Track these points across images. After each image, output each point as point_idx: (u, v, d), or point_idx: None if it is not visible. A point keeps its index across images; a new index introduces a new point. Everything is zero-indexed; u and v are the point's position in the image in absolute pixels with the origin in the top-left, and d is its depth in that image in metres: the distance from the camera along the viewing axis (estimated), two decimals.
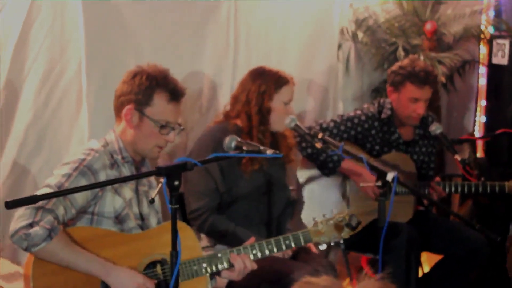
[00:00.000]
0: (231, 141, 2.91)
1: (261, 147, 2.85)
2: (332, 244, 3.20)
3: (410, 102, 4.22)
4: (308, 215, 4.16)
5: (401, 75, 4.23)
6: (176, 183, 2.49)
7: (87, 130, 3.90)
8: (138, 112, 3.02)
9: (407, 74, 4.21)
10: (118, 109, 3.07)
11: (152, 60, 3.83)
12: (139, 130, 3.03)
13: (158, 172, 2.50)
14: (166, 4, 4.20)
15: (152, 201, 2.51)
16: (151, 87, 3.02)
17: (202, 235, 3.74)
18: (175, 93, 3.05)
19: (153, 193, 2.52)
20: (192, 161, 2.49)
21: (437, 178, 4.44)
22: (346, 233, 3.18)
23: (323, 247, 3.22)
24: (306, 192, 4.34)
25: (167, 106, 3.04)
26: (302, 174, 4.36)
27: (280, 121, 3.70)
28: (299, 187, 4.35)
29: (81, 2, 3.82)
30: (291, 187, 4.08)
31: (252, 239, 3.18)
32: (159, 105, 3.02)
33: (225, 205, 3.74)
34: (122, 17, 4.03)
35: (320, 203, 4.29)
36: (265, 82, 3.75)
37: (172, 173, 2.48)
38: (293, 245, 3.16)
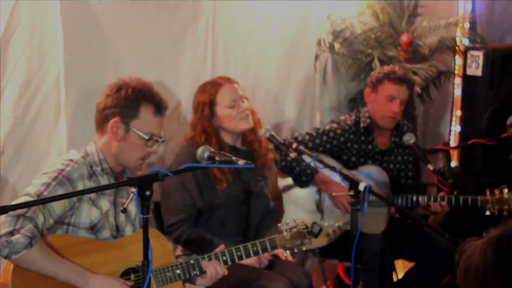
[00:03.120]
0: (204, 152, 2.98)
1: (233, 158, 2.92)
2: (295, 251, 3.31)
3: (387, 100, 4.31)
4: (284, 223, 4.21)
5: (380, 74, 4.36)
6: (148, 193, 2.54)
7: (65, 141, 3.93)
8: (124, 124, 3.07)
9: (387, 72, 4.35)
10: (101, 122, 3.13)
11: (131, 72, 3.88)
12: (125, 142, 3.09)
13: (130, 182, 2.55)
14: (146, 17, 4.25)
15: (123, 211, 2.56)
16: (138, 100, 3.08)
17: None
18: (160, 106, 3.13)
19: (125, 203, 2.57)
20: (164, 172, 2.55)
21: (442, 193, 4.49)
22: (308, 240, 3.28)
23: (287, 254, 3.34)
24: (284, 201, 4.40)
25: (153, 119, 3.11)
26: (280, 182, 4.42)
27: (237, 122, 3.81)
28: (279, 196, 4.41)
29: (60, 14, 3.84)
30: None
31: (221, 246, 3.25)
32: (146, 118, 3.09)
33: (203, 217, 3.79)
34: (101, 29, 4.07)
35: (297, 212, 4.35)
36: (204, 93, 3.83)
37: (143, 183, 2.54)
38: (260, 251, 3.27)
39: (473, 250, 1.74)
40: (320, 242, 3.39)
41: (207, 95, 3.83)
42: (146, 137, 3.07)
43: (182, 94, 4.41)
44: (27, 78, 3.83)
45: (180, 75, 4.45)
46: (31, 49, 3.83)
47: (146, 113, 3.09)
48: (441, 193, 4.44)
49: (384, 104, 4.31)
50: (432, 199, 4.25)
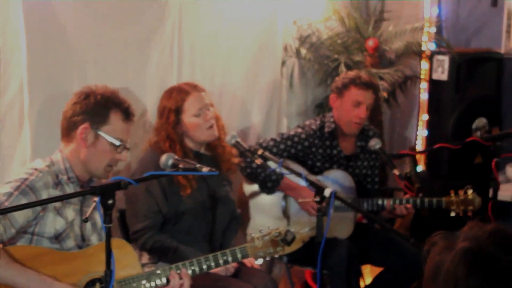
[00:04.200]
0: (167, 159, 2.96)
1: (197, 165, 2.90)
2: (267, 259, 3.27)
3: (353, 105, 4.30)
4: (252, 230, 4.21)
5: (346, 79, 4.34)
6: (110, 201, 2.52)
7: (29, 149, 3.88)
8: (93, 131, 3.08)
9: (352, 78, 4.33)
10: (68, 130, 3.12)
11: (97, 78, 3.88)
12: (94, 148, 3.09)
13: (92, 191, 2.53)
14: (110, 22, 4.22)
15: (85, 220, 2.54)
16: (107, 106, 3.10)
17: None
18: (128, 112, 3.16)
19: (88, 212, 2.55)
20: (126, 180, 2.53)
21: (406, 196, 4.51)
22: (281, 248, 3.24)
23: (259, 262, 3.29)
24: (250, 207, 4.39)
25: (122, 125, 3.13)
26: (246, 189, 4.41)
27: (202, 132, 3.80)
28: (246, 201, 4.40)
29: (24, 20, 3.80)
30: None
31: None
32: (115, 124, 3.11)
33: (169, 223, 3.77)
34: (65, 35, 4.03)
35: (263, 218, 4.34)
36: (170, 99, 3.81)
37: (106, 192, 2.52)
38: (230, 260, 3.22)
39: (442, 254, 1.73)
40: (291, 249, 3.36)
41: (173, 102, 3.81)
42: (117, 143, 3.08)
43: (148, 100, 4.38)
44: None
45: (146, 81, 4.42)
46: None
47: (115, 119, 3.11)
48: (406, 196, 4.46)
49: (350, 109, 4.31)
50: (397, 202, 4.26)
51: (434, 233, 1.80)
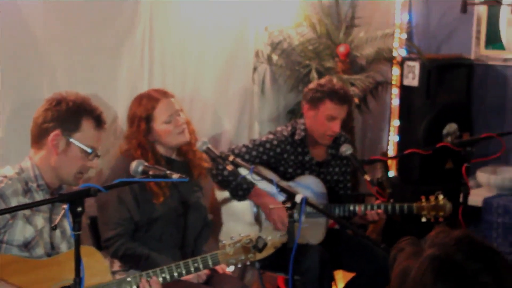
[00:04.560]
0: (137, 166, 2.95)
1: (168, 172, 2.89)
2: (239, 266, 3.26)
3: (327, 120, 4.28)
4: (224, 236, 4.20)
5: (320, 92, 4.30)
6: (79, 209, 2.51)
7: (0, 157, 3.85)
8: (65, 138, 3.06)
9: (328, 91, 4.28)
10: (39, 136, 3.09)
11: (67, 85, 3.85)
12: (65, 156, 3.07)
13: (60, 198, 2.52)
14: (81, 29, 4.20)
15: (54, 228, 2.52)
16: (79, 113, 3.08)
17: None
18: (100, 120, 3.15)
19: (56, 220, 2.53)
20: (96, 187, 2.51)
21: (377, 201, 4.52)
22: (253, 255, 3.23)
23: (230, 269, 3.28)
24: (222, 213, 4.38)
25: (94, 132, 3.12)
26: (218, 195, 4.40)
27: (174, 137, 3.79)
28: (218, 207, 4.39)
29: None
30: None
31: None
32: (87, 132, 3.09)
33: (140, 231, 3.75)
34: (35, 42, 4.00)
35: (235, 224, 4.33)
36: (140, 106, 3.81)
37: (75, 199, 2.50)
38: (201, 268, 3.21)
39: (409, 260, 1.74)
40: (263, 255, 3.36)
41: (143, 110, 3.79)
42: (89, 150, 3.07)
43: (119, 107, 4.36)
44: None
45: (116, 87, 4.40)
46: None
47: (87, 127, 3.10)
48: (377, 201, 4.47)
49: (325, 123, 4.29)
50: (368, 207, 4.28)
51: (400, 239, 1.81)
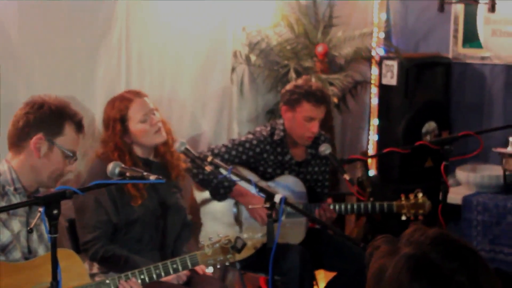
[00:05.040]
0: (114, 168, 2.93)
1: (145, 173, 2.87)
2: (218, 266, 3.25)
3: (305, 121, 4.28)
4: (204, 237, 4.19)
5: (297, 94, 4.30)
6: (55, 211, 2.49)
7: None
8: (47, 141, 3.05)
9: (304, 93, 4.28)
10: (18, 139, 3.08)
11: (44, 87, 3.81)
12: (47, 159, 3.06)
13: (36, 201, 2.49)
14: (57, 31, 4.16)
15: (30, 231, 2.50)
16: (62, 117, 3.10)
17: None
18: (80, 125, 3.17)
19: (32, 223, 2.51)
20: (72, 189, 2.49)
21: (329, 200, 4.53)
22: (232, 255, 3.22)
23: (210, 270, 3.28)
24: (202, 214, 4.36)
25: (75, 136, 3.14)
26: (197, 196, 4.39)
27: (150, 136, 3.78)
28: (197, 208, 4.37)
29: None
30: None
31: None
32: (69, 135, 3.11)
33: (119, 233, 3.73)
34: (10, 43, 3.97)
35: (215, 225, 4.32)
36: (114, 109, 3.80)
37: (50, 202, 2.48)
38: (180, 269, 3.20)
39: (385, 258, 1.73)
40: (243, 255, 3.35)
41: (117, 111, 3.78)
42: (70, 154, 3.08)
43: (96, 109, 4.33)
44: None
45: (94, 89, 4.37)
46: None
47: (69, 131, 3.11)
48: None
49: (303, 124, 4.30)
50: (349, 207, 4.28)
51: (376, 237, 1.80)
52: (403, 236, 1.74)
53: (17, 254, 2.99)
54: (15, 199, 3.01)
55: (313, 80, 4.81)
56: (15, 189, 3.03)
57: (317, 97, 4.27)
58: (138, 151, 3.82)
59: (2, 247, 2.96)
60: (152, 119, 3.80)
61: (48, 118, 3.07)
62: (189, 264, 3.23)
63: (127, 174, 2.88)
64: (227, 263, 3.28)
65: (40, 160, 3.06)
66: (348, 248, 4.32)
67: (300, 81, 4.40)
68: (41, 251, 3.11)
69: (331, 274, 4.56)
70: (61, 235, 3.78)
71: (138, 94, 3.85)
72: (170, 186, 3.89)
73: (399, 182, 5.49)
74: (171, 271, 3.19)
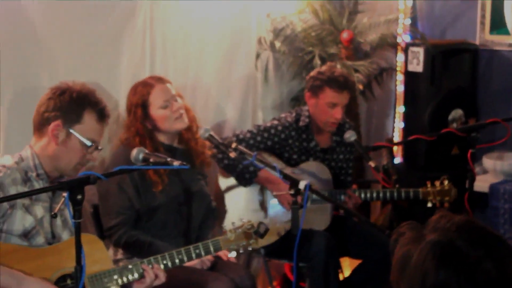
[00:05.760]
0: (138, 153, 2.92)
1: (168, 159, 2.87)
2: (241, 252, 3.24)
3: (328, 107, 4.27)
4: (228, 224, 4.18)
5: (320, 80, 4.28)
6: (79, 197, 2.48)
7: (1, 146, 3.83)
8: (65, 129, 3.03)
9: (326, 79, 4.27)
10: (40, 125, 3.06)
11: (68, 73, 3.81)
12: (65, 146, 3.04)
13: (60, 186, 2.49)
14: (81, 17, 4.16)
15: (54, 216, 2.50)
16: (82, 105, 3.05)
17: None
18: (103, 114, 3.11)
19: (56, 208, 2.51)
20: (96, 174, 2.49)
21: (354, 186, 4.51)
22: (254, 241, 3.21)
23: (232, 254, 3.26)
24: (227, 200, 4.36)
25: (96, 125, 3.09)
26: (222, 183, 4.38)
27: (171, 122, 3.78)
28: (221, 195, 4.36)
29: None
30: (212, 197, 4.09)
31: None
32: (88, 124, 3.06)
33: (143, 219, 3.73)
34: (35, 31, 3.97)
35: (240, 212, 4.31)
36: (136, 94, 3.79)
37: (74, 187, 2.47)
38: (203, 254, 3.19)
39: (410, 245, 1.71)
40: (267, 241, 3.33)
41: (139, 97, 3.79)
42: (89, 143, 3.04)
43: (120, 95, 4.32)
44: None
45: (118, 75, 4.36)
46: None
47: (89, 119, 3.07)
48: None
49: (326, 110, 4.28)
50: (374, 194, 4.26)
51: (401, 224, 1.78)
52: (428, 223, 1.71)
53: (40, 240, 2.99)
54: (38, 185, 3.01)
55: (338, 66, 4.78)
56: (38, 175, 3.03)
57: (340, 83, 4.25)
58: (161, 137, 3.82)
59: (25, 233, 2.96)
60: (173, 105, 3.79)
61: (67, 105, 3.04)
62: (211, 249, 3.21)
63: (151, 159, 2.87)
64: (249, 248, 3.26)
65: (58, 147, 3.04)
66: (374, 235, 4.29)
67: (324, 68, 4.39)
68: (65, 236, 3.11)
69: (356, 262, 4.54)
70: (86, 220, 3.79)
71: (160, 80, 3.84)
72: (194, 173, 3.89)
73: (425, 169, 5.43)
74: (194, 256, 3.18)
